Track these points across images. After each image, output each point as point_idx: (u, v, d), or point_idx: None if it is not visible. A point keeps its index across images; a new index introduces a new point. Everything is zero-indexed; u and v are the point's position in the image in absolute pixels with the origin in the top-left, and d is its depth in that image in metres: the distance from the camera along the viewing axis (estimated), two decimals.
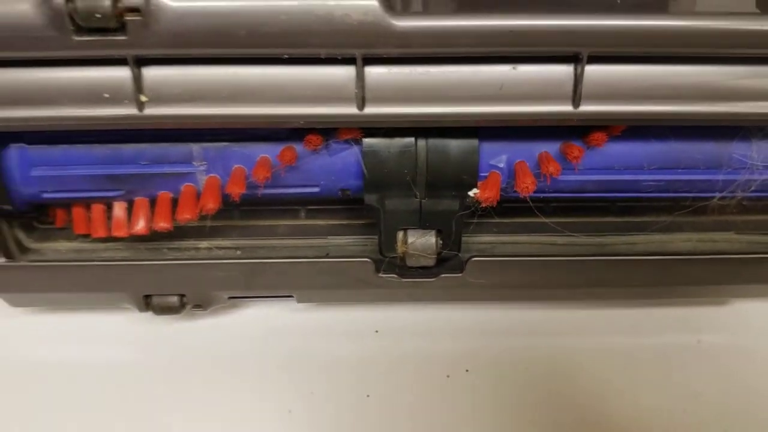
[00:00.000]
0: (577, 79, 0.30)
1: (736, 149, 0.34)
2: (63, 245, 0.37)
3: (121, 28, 0.27)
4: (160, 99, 0.30)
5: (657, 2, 0.30)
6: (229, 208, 0.35)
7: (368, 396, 0.38)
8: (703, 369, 0.39)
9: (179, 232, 0.36)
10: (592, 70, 0.30)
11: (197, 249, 0.37)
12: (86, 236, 0.37)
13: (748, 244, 0.38)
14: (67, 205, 0.36)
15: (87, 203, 0.35)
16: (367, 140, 0.33)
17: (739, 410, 0.37)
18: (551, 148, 0.34)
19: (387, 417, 0.37)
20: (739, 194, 0.35)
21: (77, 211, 0.36)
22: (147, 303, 0.37)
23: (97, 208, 0.35)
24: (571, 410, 0.37)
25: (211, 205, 0.32)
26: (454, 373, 0.39)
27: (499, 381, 0.38)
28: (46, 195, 0.34)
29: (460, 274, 0.36)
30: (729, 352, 0.40)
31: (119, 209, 0.35)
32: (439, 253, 0.35)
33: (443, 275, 0.36)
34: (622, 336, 0.41)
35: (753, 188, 0.35)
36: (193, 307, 0.37)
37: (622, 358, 0.39)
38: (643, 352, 0.40)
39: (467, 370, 0.39)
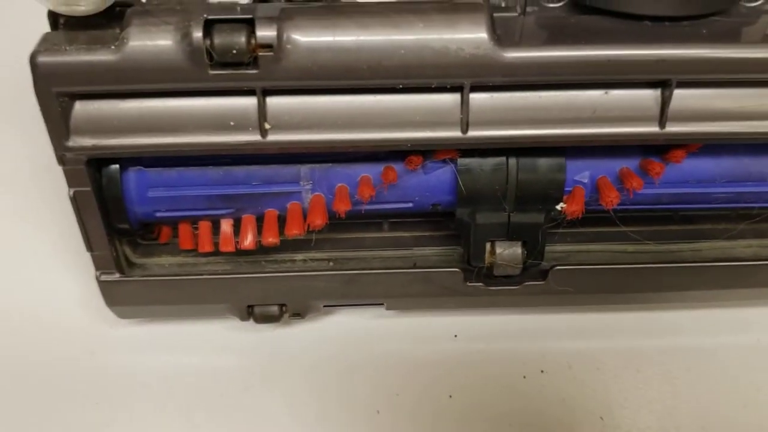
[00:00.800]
0: (665, 102, 0.32)
1: None
2: (166, 260, 0.39)
3: (254, 62, 0.30)
4: (281, 126, 0.32)
5: (738, 31, 0.33)
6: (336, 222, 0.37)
7: (450, 396, 0.40)
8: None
9: (277, 246, 0.39)
10: (678, 94, 0.32)
11: (293, 261, 0.39)
12: (188, 252, 0.39)
13: None
14: (173, 222, 0.38)
15: (194, 220, 0.38)
16: (462, 159, 0.35)
17: None
18: (631, 163, 0.36)
19: (468, 416, 0.39)
20: None
21: (184, 228, 0.38)
22: (249, 313, 0.39)
23: (204, 225, 0.37)
24: (640, 403, 0.40)
25: (319, 221, 0.35)
26: (530, 373, 0.41)
27: (572, 381, 0.41)
28: (159, 214, 0.36)
29: (542, 282, 0.38)
30: None
31: (227, 226, 0.37)
32: (524, 263, 0.38)
33: (526, 283, 0.38)
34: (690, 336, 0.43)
35: None
36: (291, 316, 0.40)
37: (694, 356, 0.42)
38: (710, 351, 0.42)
39: (542, 371, 0.41)
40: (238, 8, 0.30)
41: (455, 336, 0.43)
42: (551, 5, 0.34)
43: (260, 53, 0.30)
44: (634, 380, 0.41)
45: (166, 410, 0.39)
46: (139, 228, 0.38)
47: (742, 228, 0.40)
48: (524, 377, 0.41)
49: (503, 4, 0.34)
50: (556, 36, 0.32)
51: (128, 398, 0.40)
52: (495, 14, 0.33)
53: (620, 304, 0.43)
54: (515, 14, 0.34)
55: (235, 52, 0.29)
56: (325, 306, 0.40)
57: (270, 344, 0.42)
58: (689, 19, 0.32)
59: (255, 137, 0.32)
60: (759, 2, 0.35)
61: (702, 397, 0.40)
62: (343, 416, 0.39)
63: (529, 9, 0.34)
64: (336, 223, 0.41)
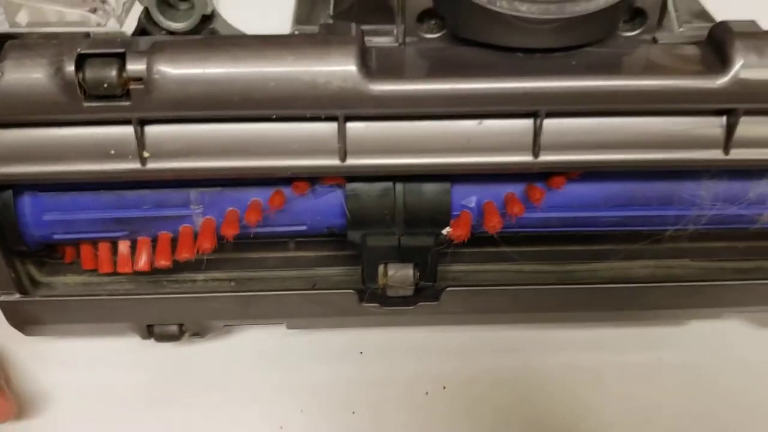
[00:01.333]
0: (537, 132, 0.33)
1: (686, 188, 0.37)
2: (71, 279, 0.40)
3: (126, 94, 0.31)
4: (160, 154, 0.33)
5: (610, 61, 0.34)
6: (225, 243, 0.38)
7: (353, 413, 0.41)
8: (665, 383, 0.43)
9: (178, 266, 0.39)
10: (549, 124, 0.33)
11: (194, 281, 0.40)
12: (93, 270, 0.40)
13: (702, 270, 0.42)
14: (75, 243, 0.39)
15: (94, 241, 0.38)
16: (349, 185, 0.36)
17: (697, 419, 0.41)
18: (518, 188, 0.37)
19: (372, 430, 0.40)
20: (691, 227, 0.39)
21: (85, 249, 0.39)
22: (149, 331, 0.40)
23: (104, 247, 0.38)
24: (540, 421, 0.41)
25: (207, 245, 0.36)
26: (432, 390, 0.42)
27: (476, 397, 0.42)
28: (56, 236, 0.37)
29: (435, 303, 0.39)
30: (686, 368, 0.43)
31: (123, 247, 0.38)
32: (416, 284, 0.38)
33: (420, 303, 0.39)
34: (589, 353, 0.44)
35: (703, 222, 0.38)
36: (191, 335, 0.40)
37: (588, 374, 0.43)
38: (609, 368, 0.43)
39: (444, 387, 0.42)
40: (119, 41, 0.31)
41: (361, 353, 0.44)
42: (430, 36, 0.35)
43: (132, 86, 0.30)
44: (534, 396, 0.42)
45: (71, 425, 0.40)
46: (40, 249, 0.38)
47: (635, 248, 0.41)
48: (426, 393, 0.42)
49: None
50: (427, 68, 0.33)
51: (37, 413, 0.41)
52: (376, 44, 0.34)
53: (519, 323, 0.44)
54: (394, 44, 0.35)
55: (106, 85, 0.30)
56: (226, 325, 0.41)
57: (174, 361, 0.43)
58: (561, 51, 0.33)
59: (135, 165, 0.33)
60: (637, 31, 0.35)
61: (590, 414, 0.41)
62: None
63: (408, 39, 0.35)
64: (241, 242, 0.41)
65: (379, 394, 0.42)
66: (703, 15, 0.39)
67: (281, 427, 0.41)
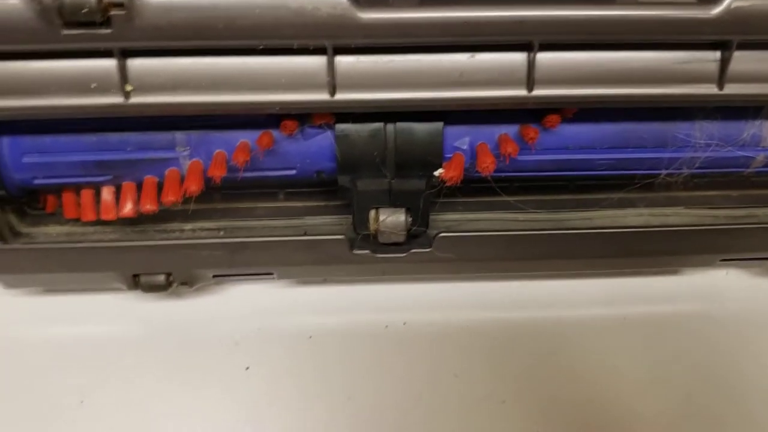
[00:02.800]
0: (530, 65, 0.32)
1: (680, 129, 0.37)
2: (54, 229, 0.39)
3: (107, 22, 0.29)
4: (144, 88, 0.32)
5: None
6: (212, 191, 0.37)
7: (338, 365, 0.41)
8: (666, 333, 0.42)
9: (165, 215, 0.39)
10: (543, 57, 0.32)
11: (182, 230, 0.39)
12: (76, 220, 0.39)
13: (695, 217, 0.41)
14: (57, 190, 0.38)
15: (77, 188, 0.37)
16: (339, 125, 0.35)
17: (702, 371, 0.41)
18: (511, 130, 0.36)
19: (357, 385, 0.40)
20: (686, 171, 0.38)
21: (67, 196, 0.38)
22: (136, 282, 0.39)
23: (86, 193, 0.37)
24: (533, 375, 0.40)
25: (194, 187, 0.35)
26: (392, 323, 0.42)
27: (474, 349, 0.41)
28: (37, 181, 0.36)
29: (428, 249, 0.38)
30: (683, 317, 0.43)
31: (107, 193, 0.37)
32: (408, 230, 0.38)
33: (413, 250, 0.39)
34: (581, 307, 0.43)
35: (697, 165, 0.38)
36: (179, 285, 0.39)
37: (580, 328, 0.42)
38: (607, 321, 0.43)
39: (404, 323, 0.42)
40: None
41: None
42: None
43: (113, 12, 0.29)
44: (505, 349, 0.41)
45: (55, 379, 0.39)
46: (21, 195, 0.37)
47: (629, 196, 0.40)
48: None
49: None
50: None
51: (16, 368, 0.40)
52: None
53: (509, 273, 0.43)
54: None
55: (86, 11, 0.29)
56: (215, 276, 0.40)
57: (162, 315, 0.42)
58: None
59: (118, 99, 0.32)
60: None
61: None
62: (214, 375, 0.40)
63: None
64: (230, 193, 0.41)
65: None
66: None
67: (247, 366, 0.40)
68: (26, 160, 0.35)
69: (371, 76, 0.32)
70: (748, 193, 0.42)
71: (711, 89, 0.34)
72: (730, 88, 0.34)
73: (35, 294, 0.43)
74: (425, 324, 0.42)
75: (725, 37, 0.32)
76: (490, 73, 0.33)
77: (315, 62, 0.32)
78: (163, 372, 0.40)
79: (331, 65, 0.32)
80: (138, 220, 0.38)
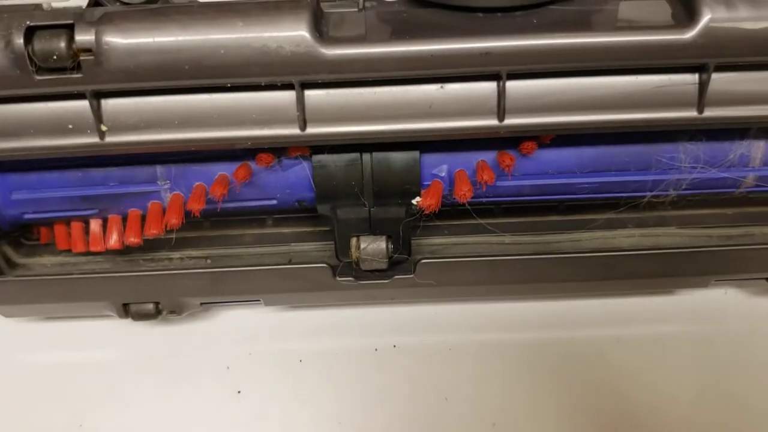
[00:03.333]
0: (501, 94, 0.32)
1: (664, 151, 0.36)
2: (48, 260, 0.40)
3: (77, 66, 0.30)
4: (118, 127, 0.32)
5: (573, 18, 0.32)
6: (199, 219, 0.38)
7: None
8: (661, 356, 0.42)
9: (153, 244, 0.39)
10: (514, 85, 0.32)
11: (170, 259, 0.40)
12: (69, 251, 0.40)
13: (688, 238, 0.40)
14: (48, 223, 0.39)
15: (67, 221, 0.38)
16: (315, 156, 0.35)
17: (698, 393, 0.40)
18: (490, 156, 0.36)
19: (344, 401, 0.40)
20: (672, 192, 0.38)
21: (58, 229, 0.39)
22: (126, 310, 0.40)
23: (76, 226, 0.38)
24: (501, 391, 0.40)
25: (174, 220, 0.35)
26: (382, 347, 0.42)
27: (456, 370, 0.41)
28: (27, 216, 0.37)
29: (411, 276, 0.38)
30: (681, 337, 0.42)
31: (95, 226, 0.38)
32: (390, 257, 0.38)
33: (396, 277, 0.39)
34: (572, 328, 0.43)
35: (684, 186, 0.37)
36: (168, 313, 0.40)
37: (577, 349, 0.42)
38: (600, 341, 0.42)
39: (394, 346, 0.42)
40: (70, 12, 0.31)
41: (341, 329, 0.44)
42: None
43: (82, 57, 0.30)
44: (496, 372, 0.41)
45: (52, 403, 0.41)
46: (13, 230, 0.39)
47: (620, 216, 0.39)
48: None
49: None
50: (384, 31, 0.32)
51: (14, 392, 0.41)
52: (334, 9, 0.33)
53: (496, 297, 0.43)
54: (354, 9, 0.34)
55: (56, 57, 0.30)
56: (203, 303, 0.41)
57: (155, 341, 0.43)
58: (523, 9, 0.32)
59: (94, 139, 0.33)
60: None
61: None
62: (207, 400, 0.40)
63: (368, 4, 0.34)
64: (217, 220, 0.41)
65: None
66: None
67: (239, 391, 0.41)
68: (15, 196, 0.36)
69: (341, 110, 0.33)
70: (744, 210, 0.41)
71: (691, 113, 0.33)
72: (710, 111, 0.33)
73: (33, 321, 0.44)
74: (415, 347, 0.42)
75: (702, 60, 0.32)
76: (460, 103, 0.33)
77: (284, 97, 0.32)
78: (157, 396, 0.41)
79: (300, 100, 0.32)
80: (127, 250, 0.39)
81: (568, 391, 0.40)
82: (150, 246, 0.39)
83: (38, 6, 0.32)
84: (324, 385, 0.41)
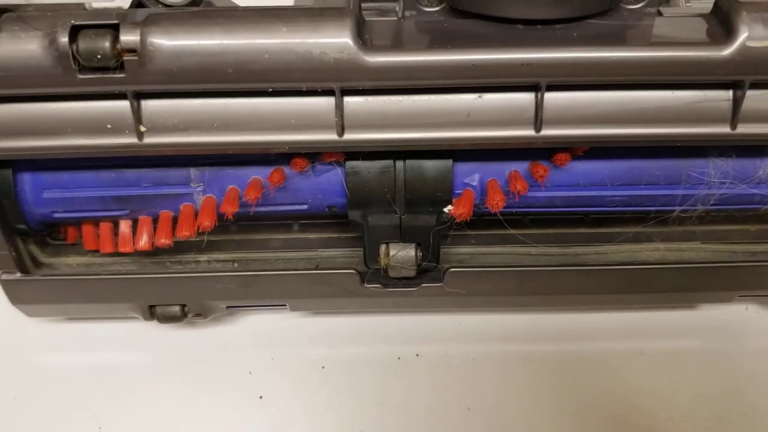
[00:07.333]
0: (538, 105, 0.32)
1: (694, 166, 0.36)
2: (74, 260, 0.40)
3: (120, 66, 0.30)
4: (157, 129, 0.33)
5: (612, 33, 0.33)
6: (227, 223, 0.38)
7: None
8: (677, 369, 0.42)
9: (181, 247, 0.39)
10: (552, 97, 0.32)
11: (197, 262, 0.40)
12: (96, 252, 0.40)
13: (713, 253, 0.41)
14: (77, 222, 0.39)
15: (95, 221, 0.38)
16: (349, 162, 0.36)
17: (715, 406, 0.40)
18: (522, 166, 0.36)
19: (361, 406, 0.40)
20: (700, 207, 0.38)
21: (86, 229, 0.39)
22: (152, 312, 0.40)
23: (105, 226, 0.38)
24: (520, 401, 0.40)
25: (207, 223, 0.35)
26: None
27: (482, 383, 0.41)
28: (57, 215, 0.37)
29: (439, 284, 0.39)
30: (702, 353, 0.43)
31: (125, 227, 0.38)
32: (419, 265, 0.38)
33: (424, 285, 0.39)
34: (584, 342, 0.43)
35: (712, 202, 0.37)
36: (194, 316, 0.40)
37: (600, 362, 0.42)
38: (622, 354, 0.42)
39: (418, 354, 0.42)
40: (114, 13, 0.31)
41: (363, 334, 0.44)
42: (429, 9, 0.34)
43: (126, 57, 0.30)
44: (520, 382, 0.41)
45: (75, 405, 0.40)
46: (41, 228, 0.38)
47: (645, 230, 0.40)
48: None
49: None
50: (425, 40, 0.32)
51: (37, 394, 0.41)
52: (374, 18, 0.34)
53: (522, 307, 0.43)
54: (394, 18, 0.34)
55: (99, 56, 0.30)
56: (228, 307, 0.41)
57: (178, 344, 0.43)
58: (563, 22, 0.32)
59: (132, 140, 0.33)
60: (641, 4, 0.35)
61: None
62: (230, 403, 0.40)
63: (408, 13, 0.34)
64: (245, 224, 0.41)
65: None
66: None
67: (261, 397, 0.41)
68: (46, 195, 0.36)
69: (379, 117, 0.33)
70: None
71: (724, 129, 0.33)
72: (744, 128, 0.33)
73: (56, 321, 0.44)
74: (438, 356, 0.42)
75: (738, 77, 0.32)
76: (497, 113, 0.33)
77: (324, 103, 0.33)
78: (179, 400, 0.40)
79: (339, 106, 0.32)
80: (154, 252, 0.39)
81: (590, 403, 0.40)
82: (177, 248, 0.39)
83: (81, 5, 0.32)
84: (346, 393, 0.41)
